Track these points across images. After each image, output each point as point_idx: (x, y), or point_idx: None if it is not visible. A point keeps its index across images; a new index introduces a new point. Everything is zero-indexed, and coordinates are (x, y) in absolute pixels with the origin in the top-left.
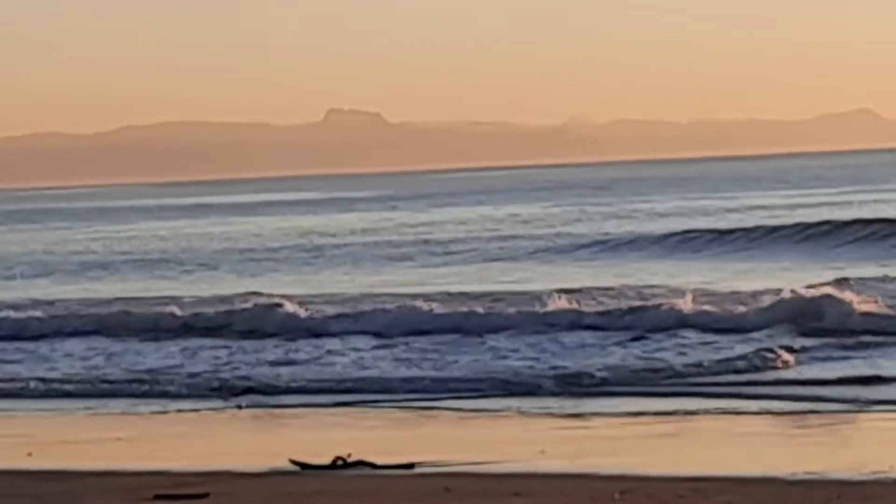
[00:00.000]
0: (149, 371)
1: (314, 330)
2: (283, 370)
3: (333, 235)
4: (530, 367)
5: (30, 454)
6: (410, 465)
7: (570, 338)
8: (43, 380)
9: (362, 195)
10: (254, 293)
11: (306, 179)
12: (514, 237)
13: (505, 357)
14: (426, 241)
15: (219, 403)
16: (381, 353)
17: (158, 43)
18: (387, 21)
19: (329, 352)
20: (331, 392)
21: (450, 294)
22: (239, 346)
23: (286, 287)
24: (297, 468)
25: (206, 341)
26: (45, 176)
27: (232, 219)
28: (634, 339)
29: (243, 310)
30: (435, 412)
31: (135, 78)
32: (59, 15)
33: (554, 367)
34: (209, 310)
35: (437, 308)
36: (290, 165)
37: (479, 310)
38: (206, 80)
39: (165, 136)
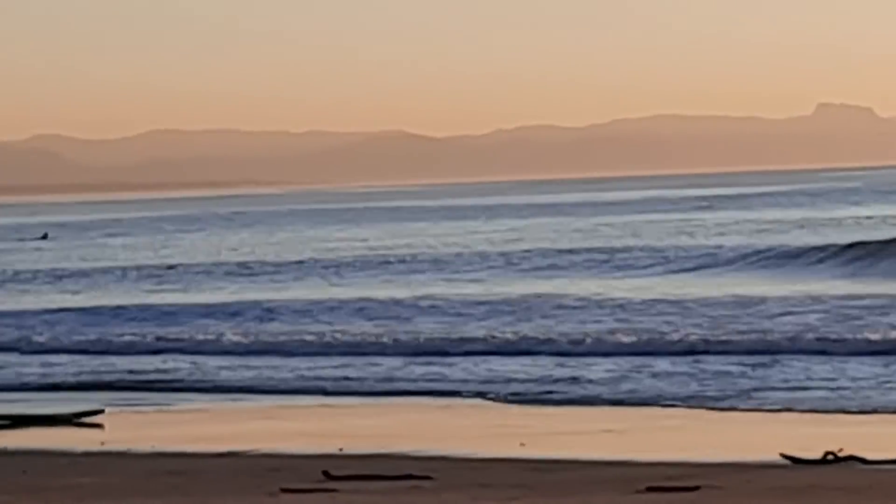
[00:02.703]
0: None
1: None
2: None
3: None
4: None
5: (522, 444)
6: None
7: None
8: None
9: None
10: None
11: (797, 174)
12: None
13: None
14: None
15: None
16: None
17: (647, 34)
18: (870, 17)
19: None
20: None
21: None
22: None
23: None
24: (787, 462)
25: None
26: (537, 168)
27: (726, 213)
28: None
29: None
30: None
31: (628, 71)
32: (562, 16)
33: None
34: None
35: None
36: (779, 159)
37: None
38: (695, 73)
39: (655, 129)
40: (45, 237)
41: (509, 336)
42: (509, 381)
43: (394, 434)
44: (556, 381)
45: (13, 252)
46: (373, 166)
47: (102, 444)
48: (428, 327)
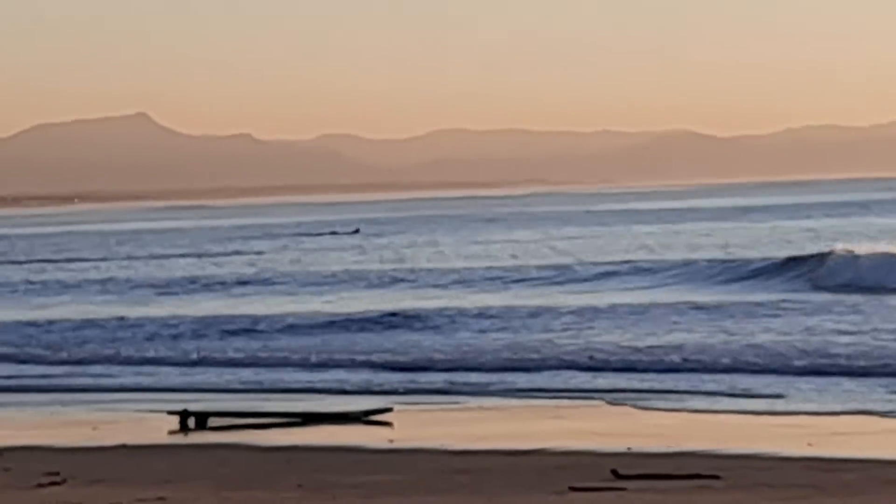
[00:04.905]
0: None
1: None
2: None
3: None
4: None
5: (810, 444)
6: None
7: None
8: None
9: None
10: None
11: None
12: None
13: None
14: None
15: None
16: None
17: None
18: None
19: None
20: None
21: None
22: None
23: None
24: None
25: None
26: (820, 168)
27: None
28: None
29: None
30: None
31: None
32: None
33: None
34: None
35: None
36: None
37: None
38: None
39: None
40: (356, 231)
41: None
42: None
43: (681, 433)
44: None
45: (331, 250)
46: (658, 166)
47: (391, 441)
48: (703, 333)
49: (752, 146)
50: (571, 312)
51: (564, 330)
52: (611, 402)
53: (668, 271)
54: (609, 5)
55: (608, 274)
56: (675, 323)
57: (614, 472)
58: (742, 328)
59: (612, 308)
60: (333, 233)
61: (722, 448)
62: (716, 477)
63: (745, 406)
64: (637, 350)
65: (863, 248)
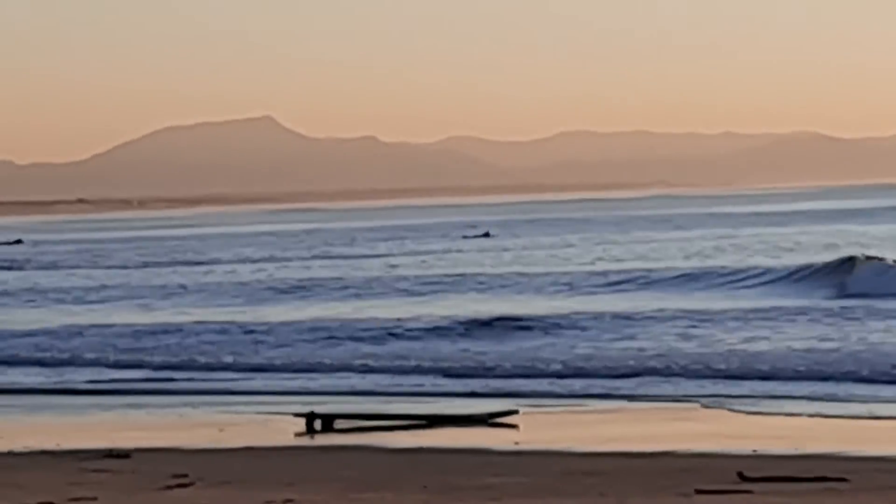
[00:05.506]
0: None
1: None
2: None
3: None
4: None
5: None
6: None
7: None
8: None
9: None
10: None
11: None
12: None
13: None
14: None
15: None
16: None
17: None
18: None
19: None
20: None
21: None
22: None
23: None
24: None
25: None
26: None
27: None
28: None
29: None
30: None
31: None
32: None
33: None
34: None
35: None
36: None
37: None
38: None
39: None
40: (486, 235)
41: None
42: None
43: (808, 435)
44: None
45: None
46: (782, 168)
47: (517, 444)
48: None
49: (875, 148)
50: (681, 316)
51: (674, 334)
52: (706, 406)
53: (769, 275)
54: (733, 7)
55: (709, 277)
56: (785, 326)
57: (740, 474)
58: (850, 333)
59: (723, 312)
60: (464, 237)
61: (849, 450)
62: (843, 480)
63: (868, 410)
64: (747, 354)
65: None
